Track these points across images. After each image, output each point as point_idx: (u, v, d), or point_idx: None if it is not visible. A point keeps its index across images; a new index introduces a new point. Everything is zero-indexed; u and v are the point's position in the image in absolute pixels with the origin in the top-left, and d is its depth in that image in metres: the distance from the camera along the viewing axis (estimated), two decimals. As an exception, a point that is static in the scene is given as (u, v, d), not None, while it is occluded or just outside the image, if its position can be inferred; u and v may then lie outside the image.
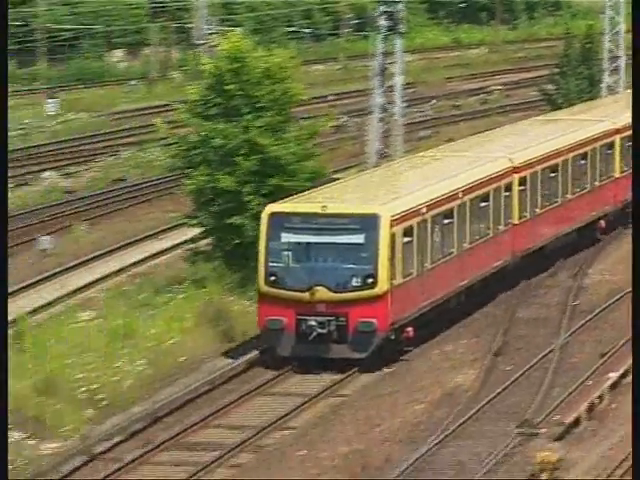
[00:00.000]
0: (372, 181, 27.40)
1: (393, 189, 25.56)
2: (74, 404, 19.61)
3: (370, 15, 47.62)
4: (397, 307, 21.69)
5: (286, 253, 21.88)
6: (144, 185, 45.72)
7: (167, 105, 50.68)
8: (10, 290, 23.11)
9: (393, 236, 21.61)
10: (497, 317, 26.53)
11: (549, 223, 30.27)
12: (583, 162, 32.25)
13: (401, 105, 35.42)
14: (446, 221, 24.83)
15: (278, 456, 17.53)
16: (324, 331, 21.21)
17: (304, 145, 27.79)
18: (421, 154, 32.53)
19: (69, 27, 76.42)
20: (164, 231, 36.35)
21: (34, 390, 19.60)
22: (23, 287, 29.16)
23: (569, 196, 31.30)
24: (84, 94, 69.46)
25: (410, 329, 22.56)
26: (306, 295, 21.42)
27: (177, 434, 18.35)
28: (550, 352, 23.07)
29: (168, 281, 28.29)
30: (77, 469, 16.90)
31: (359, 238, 21.68)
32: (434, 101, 64.10)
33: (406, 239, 22.51)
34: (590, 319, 25.90)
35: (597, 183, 33.03)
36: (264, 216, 22.25)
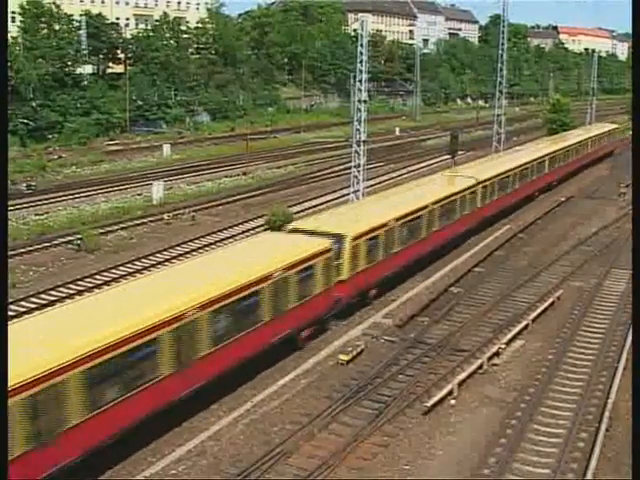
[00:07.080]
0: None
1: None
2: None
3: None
4: None
5: None
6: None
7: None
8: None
9: None
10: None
11: (383, 267, 37.48)
12: (454, 201, 46.68)
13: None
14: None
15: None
16: None
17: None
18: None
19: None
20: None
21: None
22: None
23: (435, 228, 43.32)
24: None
25: None
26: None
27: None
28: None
29: None
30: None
31: None
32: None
33: None
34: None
35: (495, 198, 54.00)
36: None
